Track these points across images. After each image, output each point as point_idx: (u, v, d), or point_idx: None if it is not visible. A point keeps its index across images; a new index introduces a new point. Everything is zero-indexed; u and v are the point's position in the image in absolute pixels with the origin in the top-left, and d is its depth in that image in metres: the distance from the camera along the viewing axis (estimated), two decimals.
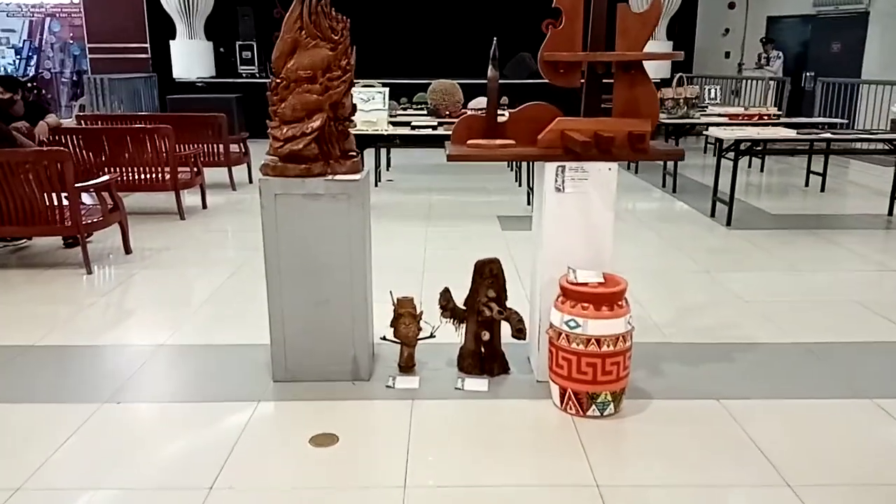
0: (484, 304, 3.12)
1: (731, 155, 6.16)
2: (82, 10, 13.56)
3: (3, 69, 15.61)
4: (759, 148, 6.49)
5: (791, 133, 6.29)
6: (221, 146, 7.66)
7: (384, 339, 3.24)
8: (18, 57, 15.87)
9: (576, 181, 2.91)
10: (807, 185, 8.04)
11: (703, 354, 3.46)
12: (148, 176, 6.31)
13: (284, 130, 2.91)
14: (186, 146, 7.43)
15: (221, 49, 12.74)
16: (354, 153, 3.11)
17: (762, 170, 9.28)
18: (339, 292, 3.05)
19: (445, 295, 3.18)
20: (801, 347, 3.56)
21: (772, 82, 12.22)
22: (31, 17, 16.16)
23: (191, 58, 12.39)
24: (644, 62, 2.97)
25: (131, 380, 3.18)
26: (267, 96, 2.94)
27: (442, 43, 13.13)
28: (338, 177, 2.97)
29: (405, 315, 3.18)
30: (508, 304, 3.21)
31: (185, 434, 2.73)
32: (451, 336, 3.26)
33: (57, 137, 6.13)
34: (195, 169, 6.67)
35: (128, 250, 5.20)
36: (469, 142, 2.97)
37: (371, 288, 3.19)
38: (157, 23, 12.56)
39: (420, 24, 13.21)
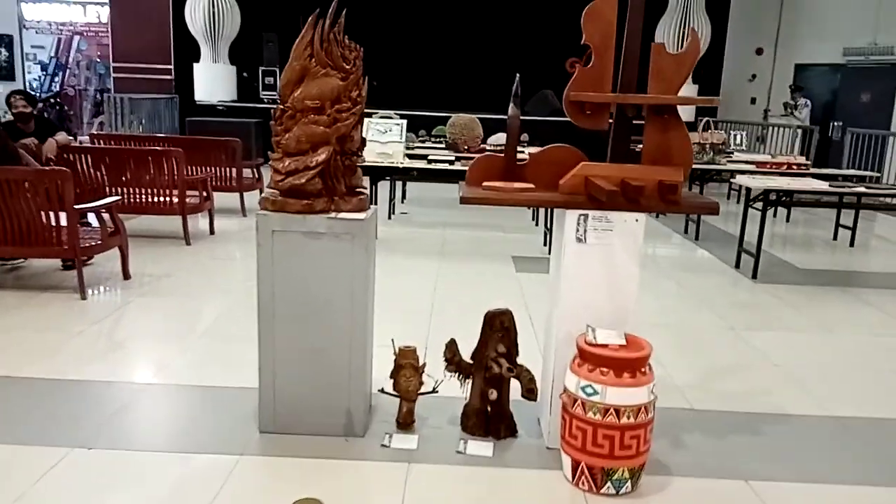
0: (493, 359, 2.86)
1: (759, 205, 5.90)
2: (110, 29, 13.63)
3: (28, 84, 15.75)
4: (787, 199, 6.22)
5: (823, 185, 6.02)
6: (234, 171, 7.52)
7: (382, 391, 2.99)
8: (44, 73, 16.02)
9: (599, 232, 2.68)
10: (835, 238, 7.73)
11: (731, 425, 3.17)
12: (156, 199, 6.15)
13: (287, 163, 2.71)
14: (199, 170, 7.30)
15: (245, 74, 12.74)
16: (362, 190, 2.90)
17: (788, 220, 8.99)
18: (336, 340, 2.81)
19: (451, 347, 2.94)
20: (836, 422, 3.27)
21: (798, 130, 11.98)
22: (59, 35, 16.35)
23: (213, 81, 12.39)
24: (678, 106, 2.75)
25: (108, 422, 2.95)
26: (270, 125, 2.75)
27: (463, 76, 13.06)
28: (342, 215, 2.76)
29: (406, 367, 2.93)
30: (520, 356, 2.95)
31: (155, 490, 2.48)
32: (456, 390, 3.01)
33: (66, 156, 6.00)
34: (205, 193, 6.51)
35: (126, 276, 5.01)
36: (485, 184, 2.75)
37: (372, 337, 2.95)
38: (182, 45, 12.60)
39: (442, 56, 13.15)
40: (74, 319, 4.19)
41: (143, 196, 6.13)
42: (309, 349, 2.82)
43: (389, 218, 7.82)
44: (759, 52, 14.33)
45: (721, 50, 13.71)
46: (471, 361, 2.95)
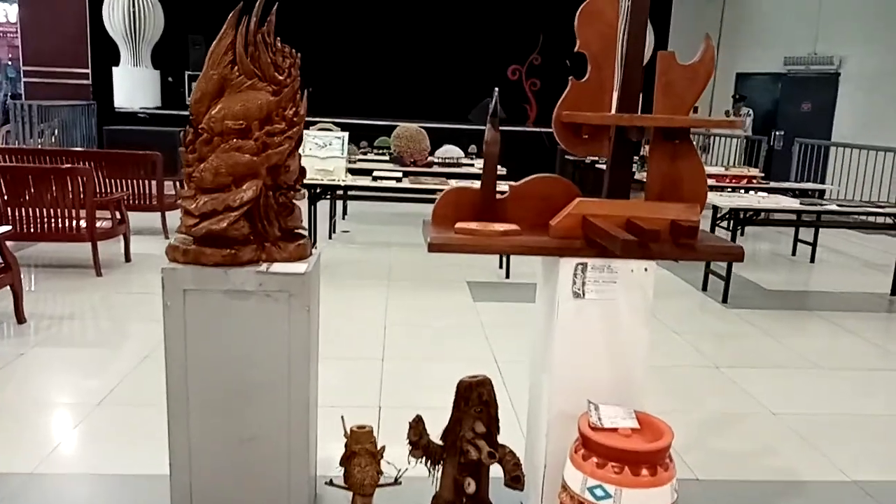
0: (469, 441, 2.30)
1: (725, 223, 5.55)
2: (19, 29, 12.48)
3: None
4: (755, 217, 5.90)
5: (794, 203, 5.71)
6: (155, 188, 6.74)
7: (331, 483, 2.38)
8: None
9: (601, 284, 2.15)
10: (794, 253, 7.51)
11: (740, 498, 2.70)
12: (61, 224, 5.35)
13: (202, 202, 2.09)
14: (115, 185, 6.51)
15: (170, 79, 11.84)
16: (301, 232, 2.30)
17: (742, 233, 8.76)
18: (271, 426, 2.20)
19: (417, 427, 2.36)
20: (855, 488, 2.84)
21: (735, 140, 11.90)
22: None
23: (135, 86, 11.45)
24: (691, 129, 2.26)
25: None
26: (180, 153, 2.12)
27: (405, 82, 12.47)
28: (276, 266, 2.15)
29: (361, 454, 2.34)
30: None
31: None
32: (421, 477, 2.43)
33: None
34: (118, 216, 5.74)
35: (20, 319, 4.24)
36: (458, 225, 2.19)
37: (316, 420, 2.35)
38: (100, 48, 11.60)
39: (382, 61, 12.54)
40: None
41: (47, 221, 5.33)
42: (235, 440, 2.20)
43: (330, 237, 7.18)
44: None
45: None
46: (441, 443, 2.38)
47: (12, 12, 13.47)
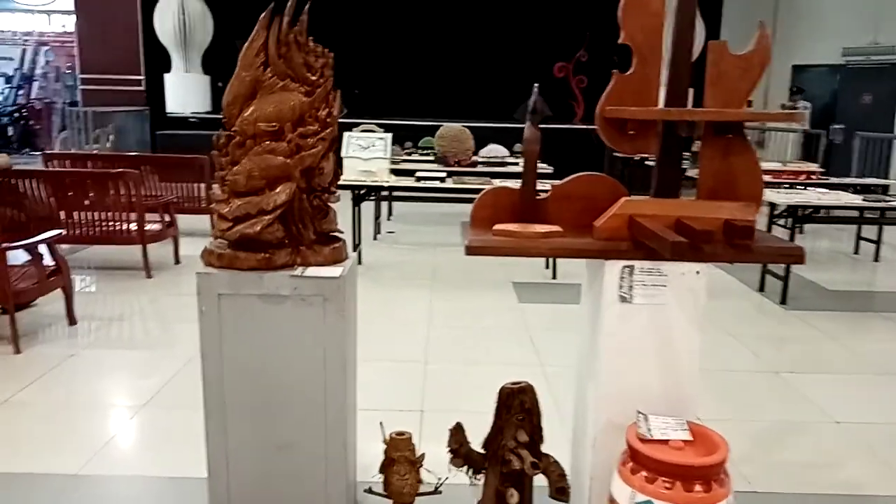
0: (512, 449, 2.22)
1: (783, 221, 5.32)
2: (77, 39, 12.86)
3: None
4: (815, 214, 5.64)
5: (856, 199, 5.44)
6: (203, 191, 6.83)
7: (370, 492, 2.33)
8: (9, 86, 15.24)
9: (649, 288, 2.04)
10: (856, 252, 7.17)
11: None
12: (112, 227, 5.46)
13: (235, 206, 2.05)
14: (166, 189, 6.62)
15: (220, 84, 12.03)
16: (336, 235, 2.25)
17: (801, 231, 8.40)
18: (308, 433, 2.16)
19: (458, 435, 2.28)
20: None
21: (792, 135, 11.45)
22: (24, 46, 15.58)
23: (186, 92, 11.69)
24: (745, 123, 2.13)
25: None
26: (213, 157, 2.09)
27: (450, 81, 12.40)
28: (311, 270, 2.11)
29: (400, 462, 2.28)
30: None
31: None
32: (462, 485, 2.36)
33: (8, 181, 5.29)
34: (167, 219, 5.83)
35: (72, 321, 4.32)
36: (497, 227, 2.11)
37: (354, 424, 2.30)
38: (152, 55, 11.87)
39: (425, 61, 12.51)
40: (2, 382, 3.50)
41: (98, 224, 5.44)
42: (272, 446, 2.17)
43: (375, 238, 7.17)
44: None
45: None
46: (483, 452, 2.30)
47: (70, 23, 13.89)
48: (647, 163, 8.66)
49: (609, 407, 2.10)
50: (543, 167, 7.43)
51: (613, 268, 2.04)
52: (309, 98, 2.08)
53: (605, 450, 2.10)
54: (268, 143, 2.04)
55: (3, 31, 15.92)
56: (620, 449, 2.03)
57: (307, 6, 2.09)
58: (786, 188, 6.26)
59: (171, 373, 3.66)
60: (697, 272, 2.05)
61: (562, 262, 5.80)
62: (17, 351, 3.85)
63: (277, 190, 2.05)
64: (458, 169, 6.77)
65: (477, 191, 5.92)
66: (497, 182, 5.99)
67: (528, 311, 4.89)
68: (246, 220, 2.04)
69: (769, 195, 5.48)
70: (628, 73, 2.10)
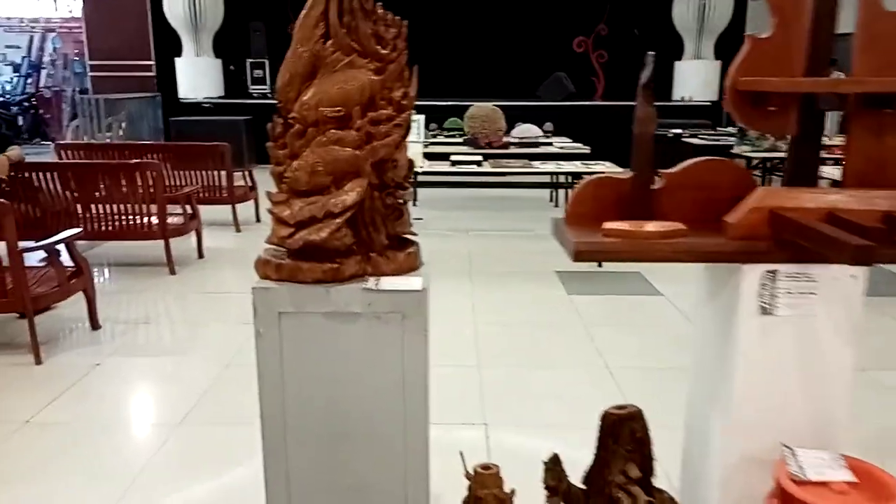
0: (621, 486, 1.89)
1: None
2: (84, 24, 12.50)
3: (1, 87, 14.66)
4: None
5: None
6: (224, 180, 6.51)
7: None
8: (17, 74, 14.92)
9: (795, 297, 1.70)
10: None
11: None
12: (131, 221, 5.15)
13: (297, 207, 1.72)
14: (184, 178, 6.31)
15: (232, 67, 11.67)
16: (410, 238, 1.92)
17: None
18: (383, 473, 1.84)
19: (555, 470, 1.95)
20: None
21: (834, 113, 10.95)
22: (31, 33, 15.23)
23: (198, 76, 11.34)
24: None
25: None
26: (268, 149, 1.76)
27: (467, 58, 11.90)
28: (385, 282, 1.78)
29: (487, 500, 1.96)
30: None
31: None
32: None
33: (22, 174, 4.99)
34: (190, 211, 5.51)
35: (95, 325, 4.03)
36: (607, 225, 1.76)
37: (428, 461, 1.98)
38: (163, 39, 11.50)
39: (442, 38, 12.04)
40: (22, 399, 3.21)
41: (117, 218, 5.14)
42: (342, 488, 1.85)
43: None
44: None
45: (742, 20, 12.64)
46: (584, 488, 1.98)
47: (77, 8, 13.53)
48: (683, 139, 8.26)
49: (743, 439, 1.76)
50: (579, 146, 7.07)
51: (752, 273, 1.70)
52: (380, 76, 1.73)
53: (736, 489, 1.78)
54: (333, 131, 1.70)
55: (9, 19, 15.57)
56: (757, 489, 1.70)
57: None
58: None
59: (205, 383, 3.36)
60: (853, 276, 1.70)
61: None
62: (38, 361, 3.56)
63: (346, 188, 1.71)
64: (492, 151, 6.41)
65: (516, 174, 5.54)
66: (536, 164, 5.66)
67: (578, 304, 4.55)
68: (310, 224, 1.70)
69: (832, 173, 5.09)
70: (766, 36, 1.74)
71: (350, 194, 1.71)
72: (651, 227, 1.76)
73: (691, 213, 1.84)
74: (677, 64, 11.76)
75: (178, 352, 3.85)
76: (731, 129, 9.32)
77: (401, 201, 1.86)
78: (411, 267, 1.88)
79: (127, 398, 3.32)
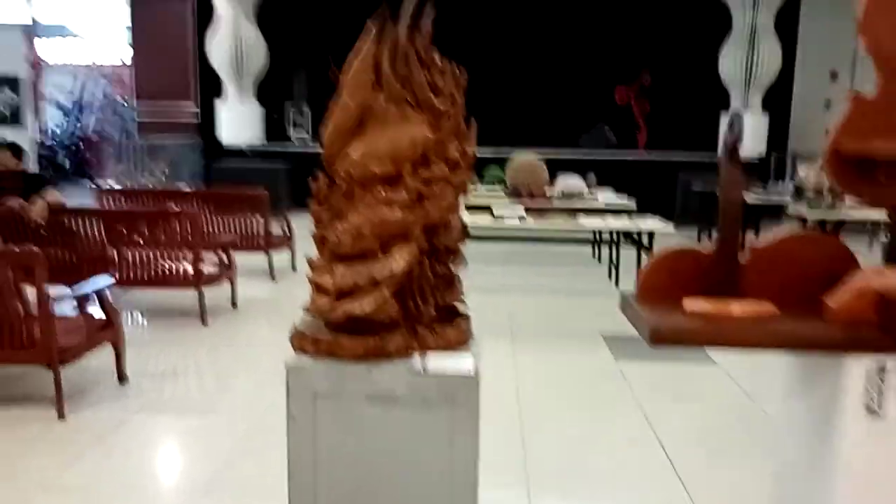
0: None
1: None
2: (131, 68, 12.80)
3: (49, 130, 15.05)
4: None
5: None
6: (262, 228, 6.43)
7: None
8: (66, 117, 15.32)
9: None
10: None
11: None
12: (166, 269, 5.05)
13: (340, 274, 1.54)
14: (219, 227, 6.24)
15: (275, 115, 11.77)
16: (460, 309, 1.73)
17: None
18: None
19: None
20: None
21: None
22: (79, 75, 15.68)
23: (240, 121, 11.45)
24: None
25: None
26: (310, 208, 1.59)
27: (506, 107, 11.79)
28: (433, 362, 1.58)
29: None
30: None
31: None
32: None
33: (60, 219, 4.95)
34: (226, 260, 5.41)
35: (122, 378, 3.88)
36: (689, 305, 1.55)
37: None
38: (207, 84, 11.70)
39: (482, 84, 12.00)
40: (42, 459, 3.04)
41: (152, 266, 5.05)
42: None
43: None
44: (835, 76, 13.03)
45: (790, 75, 12.43)
46: None
47: (125, 52, 13.90)
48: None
49: None
50: (625, 201, 6.86)
51: (857, 367, 1.46)
52: (435, 131, 1.57)
53: None
54: (382, 191, 1.53)
55: (59, 62, 16.08)
56: None
57: (429, 7, 1.59)
58: None
59: (232, 447, 3.16)
60: None
61: None
62: (62, 416, 3.41)
63: (394, 253, 1.53)
64: (535, 206, 6.22)
65: (562, 230, 5.31)
66: (582, 220, 5.46)
67: (627, 373, 4.27)
68: (353, 293, 1.52)
69: None
70: (873, 95, 1.53)
71: (398, 261, 1.53)
72: (738, 307, 1.54)
73: (780, 292, 1.62)
74: (723, 117, 11.55)
75: (205, 410, 3.67)
76: (781, 186, 9.04)
77: (452, 269, 1.67)
78: (461, 342, 1.68)
79: (150, 462, 3.14)
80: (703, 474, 3.03)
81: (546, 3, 11.84)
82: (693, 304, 1.54)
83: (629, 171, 10.62)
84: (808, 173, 6.26)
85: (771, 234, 1.68)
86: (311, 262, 1.58)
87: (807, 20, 12.35)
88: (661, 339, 1.48)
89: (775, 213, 8.21)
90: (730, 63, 11.27)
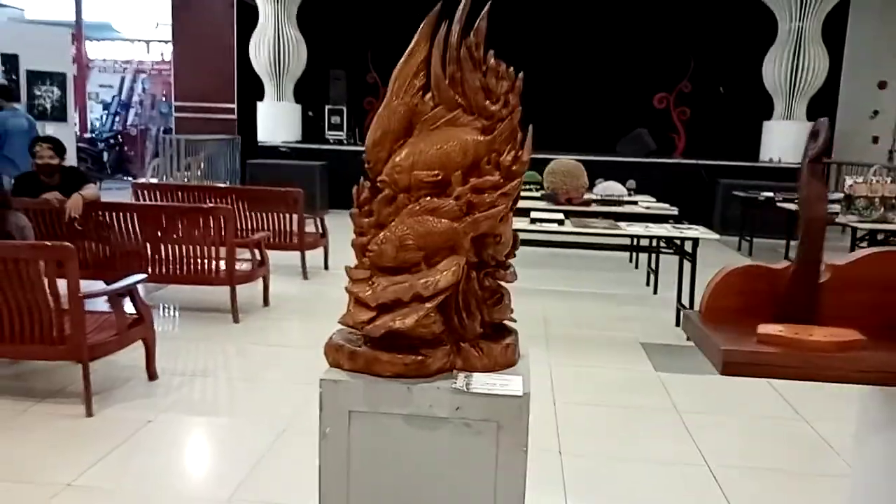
0: None
1: None
2: (173, 67, 12.93)
3: (90, 124, 15.30)
4: None
5: None
6: (296, 226, 6.38)
7: None
8: (106, 112, 15.56)
9: None
10: None
11: None
12: (199, 265, 5.02)
13: (381, 288, 1.44)
14: (254, 224, 6.21)
15: (310, 113, 11.78)
16: (508, 327, 1.61)
17: None
18: None
19: None
20: None
21: None
22: (123, 74, 15.92)
23: (277, 120, 11.48)
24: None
25: None
26: (352, 217, 1.49)
27: (545, 111, 11.61)
28: (479, 381, 1.47)
29: None
30: None
31: None
32: None
33: (95, 214, 4.95)
34: (259, 257, 5.36)
35: (151, 376, 3.84)
36: (764, 330, 1.41)
37: None
38: (246, 84, 11.76)
39: (526, 88, 11.86)
40: (67, 457, 3.00)
41: (185, 262, 5.02)
42: None
43: None
44: (882, 85, 12.62)
45: (836, 84, 12.06)
46: None
47: (168, 51, 14.05)
48: (778, 203, 7.73)
49: None
50: (666, 207, 6.67)
51: None
52: (487, 136, 1.46)
53: None
54: (429, 198, 1.43)
55: (104, 60, 16.33)
56: None
57: (487, 6, 1.48)
58: None
59: (260, 449, 3.09)
60: None
61: None
62: (89, 413, 3.37)
63: (440, 266, 1.42)
64: (573, 208, 6.08)
65: (601, 235, 5.17)
66: (623, 226, 5.29)
67: (669, 385, 4.11)
68: (395, 308, 1.42)
69: None
70: None
71: (444, 274, 1.42)
72: (820, 334, 1.40)
73: (863, 316, 1.47)
74: (766, 124, 11.27)
75: (234, 411, 3.62)
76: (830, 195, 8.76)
77: (501, 283, 1.55)
78: (508, 362, 1.56)
79: (176, 464, 3.08)
80: (747, 492, 2.88)
81: (589, 7, 11.65)
82: (768, 329, 1.41)
83: (667, 176, 10.39)
84: (861, 185, 6.00)
85: (854, 252, 1.54)
86: (350, 273, 1.48)
87: (855, 27, 11.98)
88: (735, 370, 1.35)
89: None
90: (773, 70, 10.97)
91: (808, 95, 11.13)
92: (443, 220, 1.43)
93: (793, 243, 7.29)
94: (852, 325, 1.45)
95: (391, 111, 1.47)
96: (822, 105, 11.55)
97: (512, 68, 1.50)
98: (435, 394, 1.44)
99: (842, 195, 6.24)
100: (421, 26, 1.46)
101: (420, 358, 1.46)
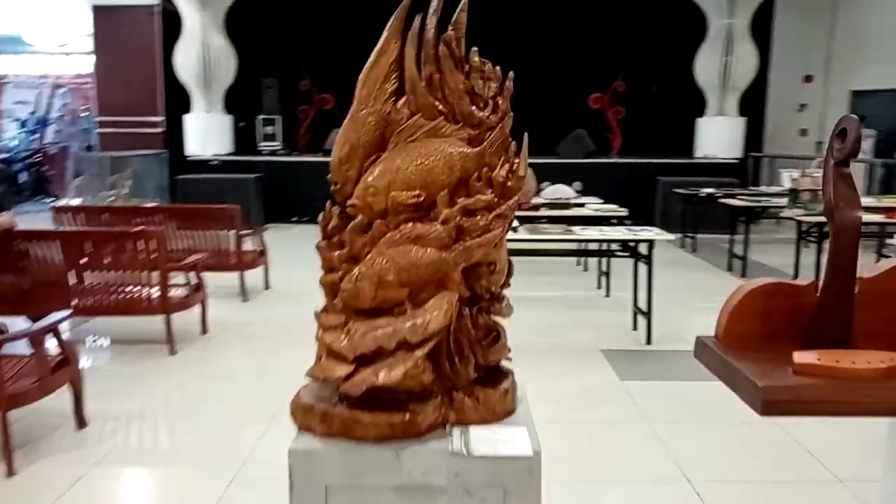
0: None
1: None
2: (95, 79, 12.23)
3: (5, 145, 14.36)
4: None
5: None
6: (233, 245, 6.01)
7: None
8: (23, 130, 14.64)
9: None
10: None
11: None
12: (130, 294, 4.63)
13: (358, 335, 1.19)
14: (187, 243, 5.82)
15: (242, 123, 11.31)
16: (505, 368, 1.39)
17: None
18: None
19: None
20: None
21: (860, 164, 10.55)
22: (39, 89, 15.02)
23: (207, 133, 10.99)
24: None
25: None
26: (318, 249, 1.24)
27: None
28: (478, 439, 1.24)
29: None
30: None
31: None
32: None
33: (10, 243, 4.49)
34: (195, 281, 4.99)
35: (81, 422, 3.46)
36: (800, 359, 1.23)
37: None
38: (173, 96, 11.20)
39: None
40: None
41: (115, 292, 4.62)
42: None
43: None
44: (809, 79, 13.01)
45: (765, 78, 12.37)
46: None
47: (87, 64, 13.32)
48: (719, 199, 7.77)
49: None
50: (613, 208, 6.59)
51: None
52: (476, 148, 1.23)
53: None
54: (410, 224, 1.19)
55: (17, 75, 15.39)
56: None
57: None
58: None
59: (209, 502, 2.77)
60: None
61: (657, 321, 4.89)
62: (11, 472, 2.98)
63: (428, 305, 1.19)
64: (524, 213, 5.91)
65: (557, 241, 5.00)
66: (578, 231, 5.15)
67: (635, 394, 3.97)
68: (377, 359, 1.17)
69: None
70: None
71: (434, 315, 1.19)
72: (862, 360, 1.22)
73: (889, 333, 1.31)
74: (699, 120, 11.45)
75: (176, 459, 3.27)
76: (765, 189, 8.89)
77: (497, 318, 1.33)
78: (507, 411, 1.35)
79: None
80: None
81: (521, 9, 11.60)
82: (805, 358, 1.23)
83: (606, 175, 10.40)
84: (804, 179, 6.05)
85: (880, 262, 1.38)
86: (320, 318, 1.23)
87: (781, 22, 12.31)
88: (776, 409, 1.16)
89: (770, 217, 8.05)
90: (705, 67, 11.16)
91: (739, 91, 11.36)
92: (428, 250, 1.20)
93: (737, 237, 7.34)
94: (882, 345, 1.29)
95: (359, 122, 1.23)
96: (753, 100, 11.81)
97: (499, 67, 1.28)
98: (428, 458, 1.21)
99: (781, 189, 6.30)
100: (391, 21, 1.23)
101: (408, 415, 1.22)
